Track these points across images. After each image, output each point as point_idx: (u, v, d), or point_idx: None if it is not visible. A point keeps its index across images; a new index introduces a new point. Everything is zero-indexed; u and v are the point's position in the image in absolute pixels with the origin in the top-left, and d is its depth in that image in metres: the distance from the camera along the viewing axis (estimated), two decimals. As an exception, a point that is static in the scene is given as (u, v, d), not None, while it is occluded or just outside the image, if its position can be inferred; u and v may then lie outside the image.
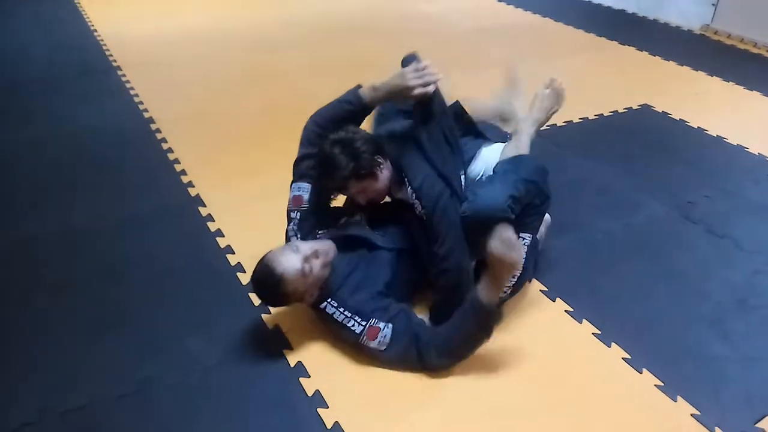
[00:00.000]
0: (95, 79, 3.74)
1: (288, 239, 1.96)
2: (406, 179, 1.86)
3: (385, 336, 1.73)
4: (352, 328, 1.75)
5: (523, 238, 1.93)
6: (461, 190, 1.88)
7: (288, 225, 1.97)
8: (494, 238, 1.65)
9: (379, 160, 1.87)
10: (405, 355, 1.74)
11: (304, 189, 1.96)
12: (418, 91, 1.85)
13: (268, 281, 1.73)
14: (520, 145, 2.04)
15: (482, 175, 2.04)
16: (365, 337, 1.74)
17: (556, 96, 2.15)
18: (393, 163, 1.93)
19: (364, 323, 1.75)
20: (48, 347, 1.83)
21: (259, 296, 1.83)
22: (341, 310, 1.78)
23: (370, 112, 1.99)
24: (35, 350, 1.82)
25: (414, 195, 1.82)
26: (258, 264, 1.77)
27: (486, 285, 1.69)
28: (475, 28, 4.90)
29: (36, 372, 1.74)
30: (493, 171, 1.96)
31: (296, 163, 2.00)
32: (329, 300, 1.80)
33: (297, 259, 1.73)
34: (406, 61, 1.92)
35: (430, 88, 1.86)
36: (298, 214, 1.96)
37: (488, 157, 2.06)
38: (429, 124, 1.91)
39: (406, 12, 5.24)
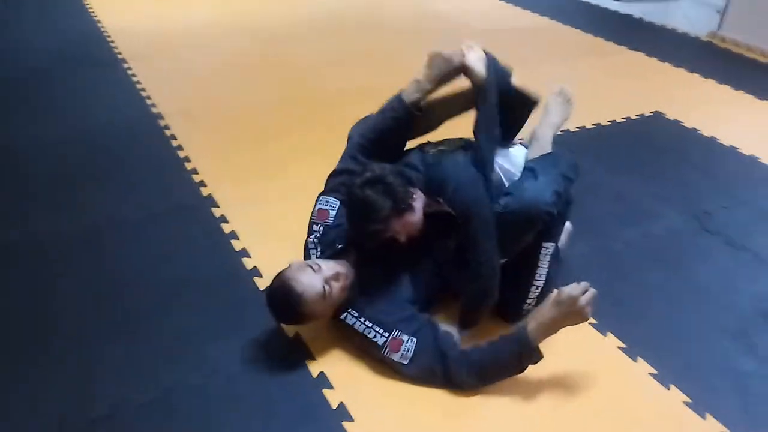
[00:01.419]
0: (100, 72, 3.67)
1: (307, 252, 1.89)
2: (437, 194, 1.78)
3: (407, 350, 1.69)
4: (374, 339, 1.71)
5: (546, 248, 1.90)
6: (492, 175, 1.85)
7: (308, 237, 1.90)
8: (573, 289, 1.61)
9: (411, 190, 1.75)
10: (429, 371, 1.69)
11: (333, 204, 1.89)
12: (468, 58, 1.84)
13: (287, 300, 1.65)
14: (546, 147, 2.02)
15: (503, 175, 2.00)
16: (388, 349, 1.69)
17: (567, 102, 2.16)
18: (422, 183, 1.82)
19: (386, 335, 1.70)
20: (65, 355, 1.77)
21: (274, 314, 1.74)
22: (362, 320, 1.73)
23: (415, 118, 1.91)
24: (51, 358, 1.76)
25: (448, 204, 1.77)
26: (275, 280, 1.71)
27: (538, 325, 1.64)
28: (485, 29, 4.85)
29: (54, 382, 1.68)
30: (527, 169, 1.92)
31: (332, 175, 1.94)
32: (349, 310, 1.75)
33: (318, 280, 1.65)
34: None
35: (479, 53, 1.87)
36: (321, 228, 1.88)
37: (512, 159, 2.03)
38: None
39: (417, 9, 5.21)
